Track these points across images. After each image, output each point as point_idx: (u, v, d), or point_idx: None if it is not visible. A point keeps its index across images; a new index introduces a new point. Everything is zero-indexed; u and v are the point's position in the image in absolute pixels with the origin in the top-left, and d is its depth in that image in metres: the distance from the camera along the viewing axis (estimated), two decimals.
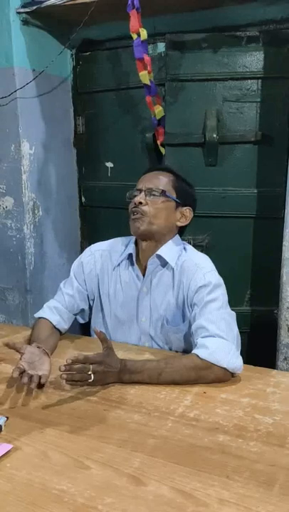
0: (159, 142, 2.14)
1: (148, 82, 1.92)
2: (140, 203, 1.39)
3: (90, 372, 1.15)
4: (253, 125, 2.09)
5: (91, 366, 1.15)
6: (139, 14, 1.77)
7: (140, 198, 1.40)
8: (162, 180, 1.44)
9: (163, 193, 1.40)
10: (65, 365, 1.13)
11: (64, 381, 1.15)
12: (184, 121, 2.14)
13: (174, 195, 1.43)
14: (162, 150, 2.16)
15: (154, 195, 1.40)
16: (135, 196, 1.42)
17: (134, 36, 1.82)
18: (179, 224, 1.47)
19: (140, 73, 1.89)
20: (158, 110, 2.06)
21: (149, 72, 1.90)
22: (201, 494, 0.81)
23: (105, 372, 1.18)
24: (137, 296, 1.48)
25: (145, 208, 1.40)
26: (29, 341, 1.47)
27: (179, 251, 1.45)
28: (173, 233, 1.47)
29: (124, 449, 0.95)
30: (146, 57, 1.87)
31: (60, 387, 1.20)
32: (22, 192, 2.19)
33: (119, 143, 2.37)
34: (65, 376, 1.13)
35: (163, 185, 1.42)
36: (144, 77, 1.90)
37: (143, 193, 1.41)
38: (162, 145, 2.15)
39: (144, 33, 1.81)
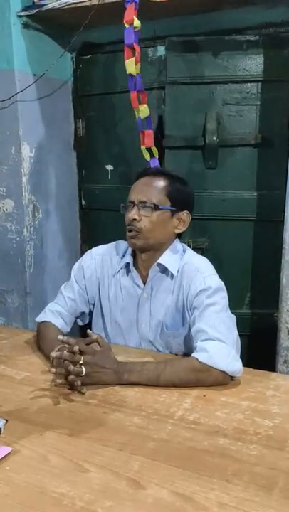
0: (143, 147, 1.93)
1: (133, 72, 1.79)
2: (134, 219, 1.37)
3: (81, 362, 1.15)
4: (253, 128, 2.09)
5: (82, 357, 1.16)
6: (136, 10, 1.74)
7: (134, 214, 1.37)
8: (155, 190, 1.39)
9: (156, 207, 1.37)
10: (56, 351, 1.17)
11: (53, 372, 1.17)
12: (184, 125, 2.14)
13: (169, 204, 1.39)
14: (150, 153, 1.95)
15: (147, 209, 1.37)
16: (128, 207, 1.40)
17: (127, 26, 1.76)
18: (177, 231, 1.45)
19: (126, 61, 1.78)
20: (142, 108, 1.87)
21: (136, 63, 1.78)
22: (201, 498, 0.81)
23: (98, 367, 1.18)
24: (137, 302, 1.47)
25: (140, 225, 1.37)
26: (37, 345, 1.48)
27: (179, 256, 1.45)
28: (172, 240, 1.46)
29: (123, 452, 0.94)
30: (136, 46, 1.76)
31: (59, 389, 1.19)
32: (22, 194, 2.19)
33: (119, 146, 2.37)
34: (54, 370, 1.16)
35: (156, 196, 1.38)
36: (130, 65, 1.78)
37: (136, 207, 1.38)
38: (150, 148, 1.94)
39: (137, 22, 1.74)
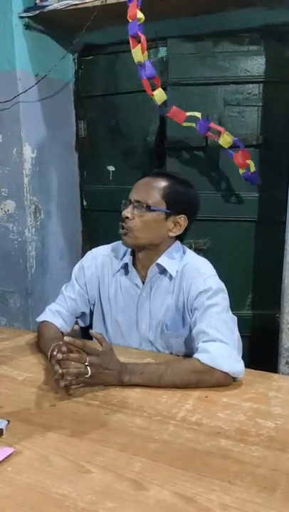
0: (180, 123, 1.91)
1: (141, 59, 1.78)
2: (127, 217, 1.38)
3: (86, 364, 1.15)
4: (255, 129, 2.09)
5: (88, 358, 1.16)
6: (138, 7, 1.74)
7: (127, 212, 1.38)
8: (152, 191, 1.38)
9: (148, 208, 1.36)
10: (62, 353, 1.15)
11: (60, 381, 1.15)
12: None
13: (164, 206, 1.38)
14: (191, 124, 1.93)
15: (140, 208, 1.37)
16: (126, 205, 1.41)
17: (130, 20, 1.76)
18: (172, 234, 1.43)
19: (133, 50, 1.78)
20: (156, 93, 1.86)
21: (142, 52, 1.77)
22: (203, 499, 0.81)
23: (103, 368, 1.18)
24: (136, 302, 1.47)
25: (130, 223, 1.37)
26: (38, 346, 1.48)
27: (179, 257, 1.45)
28: (170, 241, 1.45)
29: (125, 453, 0.94)
30: (141, 35, 1.76)
31: (61, 390, 1.19)
32: (24, 195, 2.19)
33: (120, 147, 2.37)
34: (60, 371, 1.14)
35: (151, 197, 1.37)
36: (137, 53, 1.77)
37: (131, 205, 1.39)
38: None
39: (140, 15, 1.74)
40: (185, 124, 1.93)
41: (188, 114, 1.92)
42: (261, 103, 2.07)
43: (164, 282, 1.44)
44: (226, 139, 1.95)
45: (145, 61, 1.81)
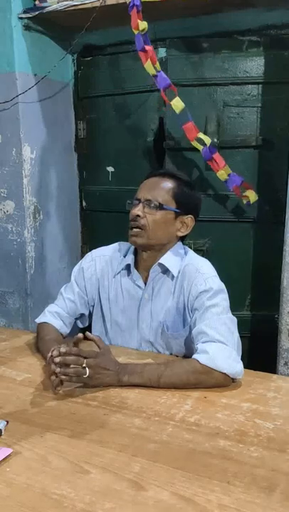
0: (191, 140, 1.91)
1: (154, 72, 1.82)
2: (138, 215, 1.38)
3: (84, 365, 1.15)
4: (254, 130, 2.09)
5: (85, 360, 1.16)
6: (139, 13, 1.76)
7: (138, 210, 1.38)
8: (161, 190, 1.40)
9: (160, 206, 1.38)
10: (59, 355, 1.14)
11: (57, 373, 1.15)
12: None
13: (174, 206, 1.40)
14: (198, 147, 1.92)
15: (151, 207, 1.38)
16: (134, 204, 1.41)
17: (135, 32, 1.78)
18: (180, 234, 1.45)
19: (145, 65, 1.82)
20: (174, 102, 1.87)
21: (154, 63, 1.80)
22: (202, 499, 0.81)
23: (101, 369, 1.18)
24: (138, 303, 1.47)
25: (143, 221, 1.38)
26: (37, 346, 1.48)
27: (180, 257, 1.45)
28: (174, 241, 1.47)
29: (124, 453, 0.94)
30: (148, 47, 1.79)
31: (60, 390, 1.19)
32: (23, 196, 2.19)
33: (120, 147, 2.38)
34: (58, 370, 1.14)
35: (162, 196, 1.39)
36: (149, 67, 1.81)
37: (141, 204, 1.39)
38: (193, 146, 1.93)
39: (142, 25, 1.76)
40: (194, 144, 1.92)
41: (199, 135, 1.91)
42: (260, 104, 2.07)
43: (166, 283, 1.44)
44: (222, 174, 1.95)
45: (158, 72, 1.84)
